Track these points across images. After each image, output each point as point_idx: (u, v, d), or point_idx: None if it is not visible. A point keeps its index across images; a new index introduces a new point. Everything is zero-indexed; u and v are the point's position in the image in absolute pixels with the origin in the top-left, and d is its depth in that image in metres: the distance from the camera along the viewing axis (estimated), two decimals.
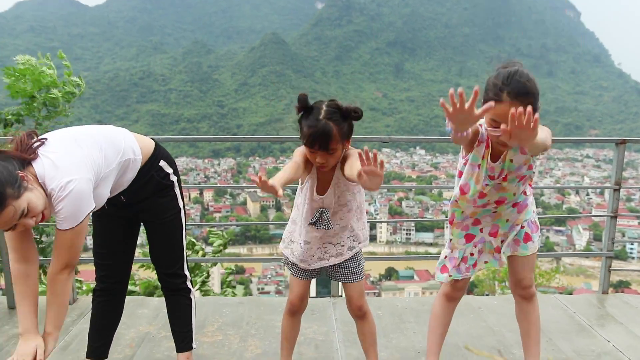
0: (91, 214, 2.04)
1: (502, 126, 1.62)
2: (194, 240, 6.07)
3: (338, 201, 2.15)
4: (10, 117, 4.55)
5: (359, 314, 2.29)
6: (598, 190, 62.99)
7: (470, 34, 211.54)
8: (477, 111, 1.58)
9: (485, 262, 2.30)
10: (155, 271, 2.32)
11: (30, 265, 1.89)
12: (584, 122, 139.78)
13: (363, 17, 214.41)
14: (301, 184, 2.18)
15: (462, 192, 2.15)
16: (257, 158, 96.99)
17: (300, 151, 2.07)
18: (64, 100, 4.64)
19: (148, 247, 2.26)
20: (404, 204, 65.87)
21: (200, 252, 5.98)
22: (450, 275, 2.28)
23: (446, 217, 2.39)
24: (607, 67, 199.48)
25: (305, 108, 1.99)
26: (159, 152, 2.17)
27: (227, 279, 6.51)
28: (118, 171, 1.98)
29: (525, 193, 2.20)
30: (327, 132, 1.92)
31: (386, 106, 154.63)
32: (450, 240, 2.31)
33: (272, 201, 70.58)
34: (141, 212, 2.19)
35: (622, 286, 32.72)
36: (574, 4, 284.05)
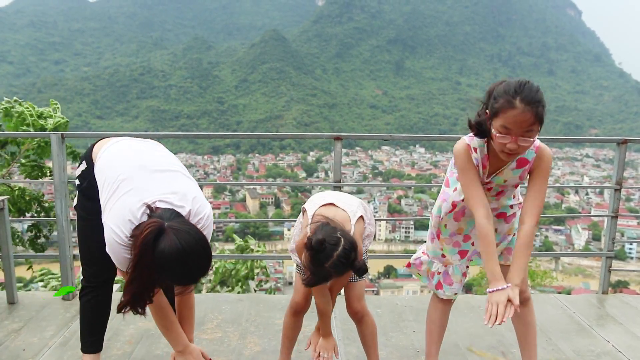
0: (79, 213, 2.18)
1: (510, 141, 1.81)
2: None
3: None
4: None
5: (358, 317, 2.28)
6: (597, 190, 63.03)
7: (471, 32, 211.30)
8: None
9: (470, 260, 2.32)
10: None
11: (163, 298, 2.03)
12: (584, 122, 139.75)
13: (364, 14, 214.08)
14: None
15: (454, 205, 2.18)
16: (257, 155, 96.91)
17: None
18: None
19: None
20: (403, 202, 65.90)
21: None
22: (444, 292, 2.33)
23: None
24: (607, 67, 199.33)
25: (318, 249, 1.85)
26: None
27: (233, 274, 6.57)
28: None
29: (511, 207, 2.20)
30: (326, 278, 1.92)
31: (386, 104, 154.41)
32: (443, 255, 2.31)
33: (272, 198, 70.61)
34: None
35: (620, 286, 32.75)
36: (575, 3, 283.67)
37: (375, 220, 2.35)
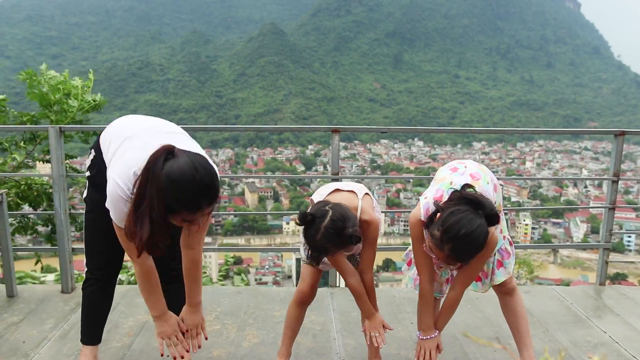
0: (87, 205, 2.16)
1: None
2: None
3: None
4: (26, 119, 4.66)
5: (363, 277, 2.27)
6: (596, 182, 63.10)
7: (469, 25, 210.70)
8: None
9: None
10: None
11: (149, 261, 2.00)
12: (582, 114, 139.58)
13: (362, 7, 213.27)
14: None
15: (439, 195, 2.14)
16: (255, 149, 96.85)
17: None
18: (79, 111, 4.76)
19: None
20: (402, 195, 65.91)
21: None
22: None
23: None
24: (606, 59, 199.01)
25: (305, 223, 1.99)
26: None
27: (224, 268, 6.57)
28: None
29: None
30: (322, 250, 2.03)
31: (384, 97, 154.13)
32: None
33: (270, 192, 70.63)
34: None
35: (619, 278, 32.82)
36: None
37: None
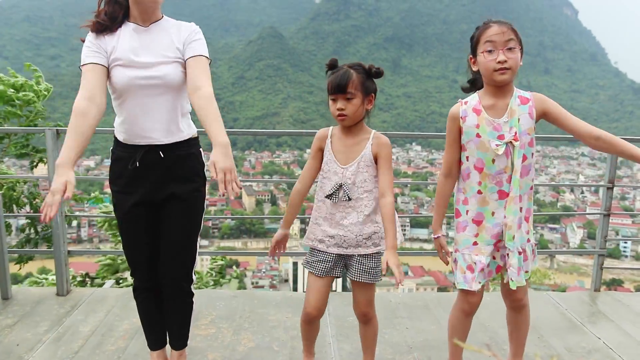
0: (116, 214, 2.17)
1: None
2: None
3: (362, 185, 2.13)
4: None
5: (364, 319, 2.28)
6: (593, 188, 63.21)
7: (467, 30, 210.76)
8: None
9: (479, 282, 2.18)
10: (160, 269, 2.22)
11: (92, 107, 1.98)
12: None
13: (361, 12, 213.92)
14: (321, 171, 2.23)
15: (479, 169, 2.10)
16: (253, 152, 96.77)
17: (313, 142, 2.22)
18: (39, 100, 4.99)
19: (162, 241, 2.19)
20: (399, 199, 65.91)
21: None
22: (466, 281, 2.18)
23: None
24: (603, 66, 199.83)
25: (333, 67, 2.15)
26: (199, 142, 2.27)
27: (212, 268, 6.56)
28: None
29: (530, 198, 2.15)
30: (347, 75, 2.07)
31: (383, 102, 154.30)
32: (475, 243, 2.17)
33: (268, 195, 70.57)
34: (168, 203, 2.15)
35: (615, 284, 32.91)
36: (571, 2, 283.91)
37: None
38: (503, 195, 2.09)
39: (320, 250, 2.21)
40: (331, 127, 2.22)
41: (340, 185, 2.12)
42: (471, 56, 2.12)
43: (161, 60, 2.02)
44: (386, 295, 3.70)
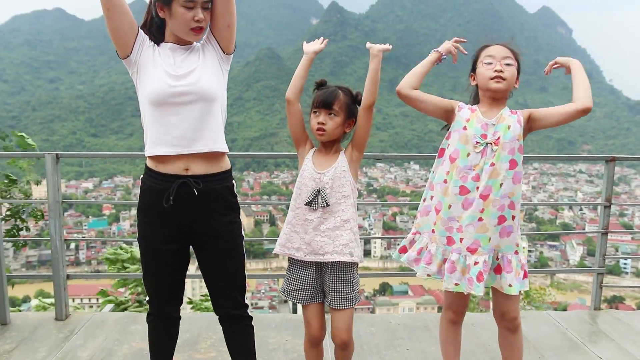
0: (146, 247, 2.14)
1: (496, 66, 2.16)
2: None
3: (340, 190, 2.16)
4: None
5: (344, 346, 2.27)
6: (591, 205, 63.17)
7: (463, 49, 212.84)
8: None
9: (456, 284, 2.18)
10: (213, 302, 2.24)
11: None
12: (576, 138, 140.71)
13: (357, 32, 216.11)
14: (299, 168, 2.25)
15: (452, 159, 2.19)
16: (252, 172, 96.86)
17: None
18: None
19: (207, 277, 2.20)
20: (398, 219, 65.77)
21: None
22: (418, 269, 2.30)
23: None
24: (598, 84, 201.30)
25: (321, 85, 2.28)
26: (231, 172, 2.27)
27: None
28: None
29: (513, 218, 2.20)
30: (335, 93, 2.19)
31: (380, 121, 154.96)
32: (433, 231, 2.25)
33: (266, 216, 70.40)
34: (206, 242, 2.13)
35: (616, 301, 32.71)
36: (565, 22, 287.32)
37: (370, 238, 2.40)
38: (464, 191, 2.16)
39: (296, 264, 2.24)
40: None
41: (319, 191, 2.15)
42: (471, 73, 2.29)
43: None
44: (386, 316, 3.69)
